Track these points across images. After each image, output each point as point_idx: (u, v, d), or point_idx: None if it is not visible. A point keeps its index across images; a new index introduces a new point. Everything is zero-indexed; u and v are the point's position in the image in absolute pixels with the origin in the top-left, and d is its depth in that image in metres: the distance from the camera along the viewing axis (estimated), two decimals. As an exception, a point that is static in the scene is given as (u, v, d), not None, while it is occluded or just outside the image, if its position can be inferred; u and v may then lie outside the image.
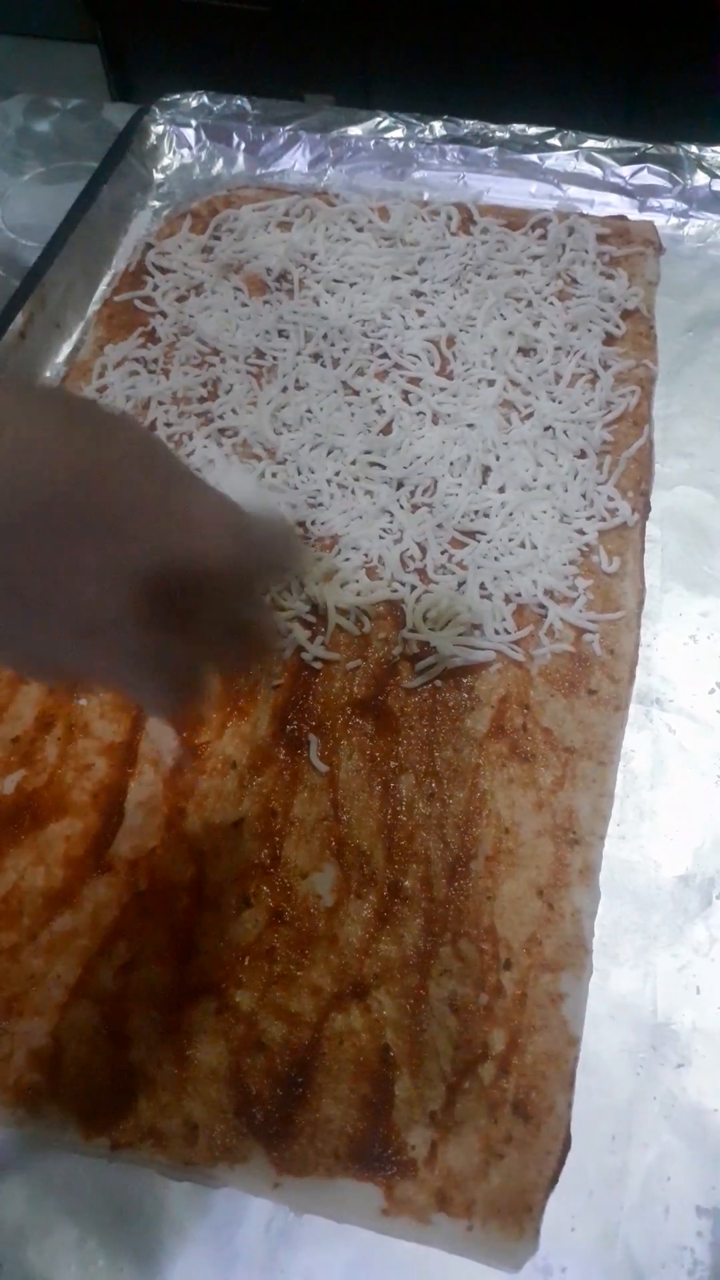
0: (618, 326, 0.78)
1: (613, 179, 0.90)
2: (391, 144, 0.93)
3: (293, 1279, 0.47)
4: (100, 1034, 0.52)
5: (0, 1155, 0.50)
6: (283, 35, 1.40)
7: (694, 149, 0.89)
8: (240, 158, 0.95)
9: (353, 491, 0.70)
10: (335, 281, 0.82)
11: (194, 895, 0.55)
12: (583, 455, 0.71)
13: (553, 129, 0.92)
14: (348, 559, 0.67)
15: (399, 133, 0.94)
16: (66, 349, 0.83)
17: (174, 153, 0.96)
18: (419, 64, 1.36)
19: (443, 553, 0.67)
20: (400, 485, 0.70)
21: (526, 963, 0.53)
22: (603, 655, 0.63)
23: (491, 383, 0.75)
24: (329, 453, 0.72)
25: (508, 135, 0.92)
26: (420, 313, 0.79)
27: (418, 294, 0.81)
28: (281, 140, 0.95)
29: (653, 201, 0.89)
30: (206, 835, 0.57)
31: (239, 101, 0.96)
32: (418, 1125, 0.49)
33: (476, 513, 0.68)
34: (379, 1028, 0.51)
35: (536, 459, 0.71)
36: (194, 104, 0.97)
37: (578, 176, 0.90)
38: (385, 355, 0.77)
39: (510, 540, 0.67)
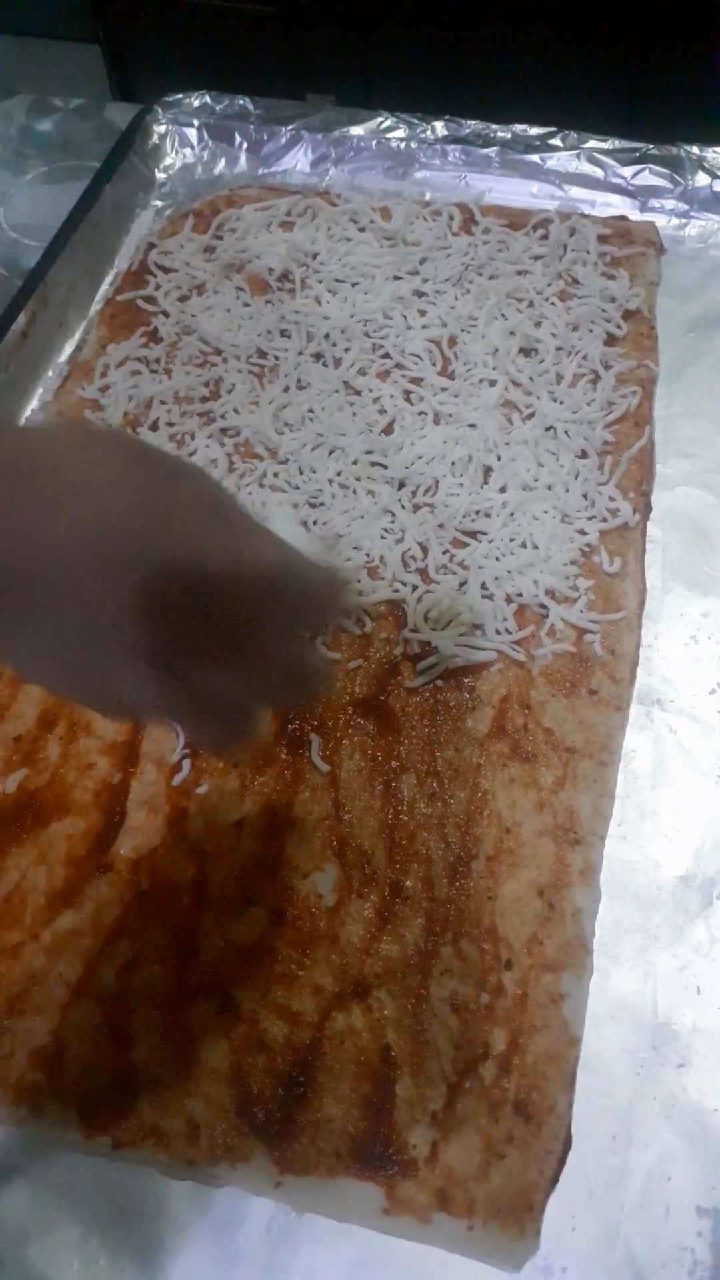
0: (619, 327, 0.78)
1: (614, 179, 0.90)
2: (393, 144, 0.93)
3: (294, 1278, 0.47)
4: (102, 1033, 0.52)
5: (2, 1154, 0.50)
6: (285, 35, 1.41)
7: (695, 150, 0.89)
8: (242, 157, 0.95)
9: (354, 491, 0.70)
10: (337, 281, 0.82)
11: (196, 894, 0.55)
12: (584, 455, 0.71)
13: (554, 129, 0.92)
14: (349, 559, 0.67)
15: (401, 133, 0.94)
16: (69, 348, 0.83)
17: (176, 152, 0.96)
18: (420, 64, 1.36)
19: (444, 552, 0.67)
20: (402, 485, 0.70)
21: (527, 962, 0.53)
22: (604, 655, 0.63)
23: (493, 383, 0.75)
24: (331, 452, 0.72)
25: (509, 135, 0.92)
26: (422, 313, 0.79)
27: (419, 294, 0.81)
28: (283, 140, 0.95)
29: (654, 202, 0.89)
30: (208, 835, 0.57)
31: (241, 101, 0.96)
32: (419, 1125, 0.49)
33: (478, 513, 0.68)
34: (380, 1027, 0.51)
35: (538, 459, 0.71)
36: (196, 104, 0.97)
37: (579, 177, 0.90)
38: (387, 355, 0.77)
39: (511, 540, 0.67)
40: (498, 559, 0.66)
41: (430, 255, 0.83)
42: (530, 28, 1.29)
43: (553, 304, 0.79)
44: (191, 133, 0.96)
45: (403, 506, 0.69)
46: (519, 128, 0.92)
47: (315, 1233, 0.48)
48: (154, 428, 0.74)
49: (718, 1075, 0.50)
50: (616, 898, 0.55)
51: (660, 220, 0.87)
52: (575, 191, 0.90)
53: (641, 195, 0.89)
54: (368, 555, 0.67)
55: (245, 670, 0.39)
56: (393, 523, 0.69)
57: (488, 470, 0.70)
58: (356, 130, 0.94)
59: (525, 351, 0.77)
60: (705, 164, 0.88)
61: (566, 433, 0.72)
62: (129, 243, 0.89)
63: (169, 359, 0.79)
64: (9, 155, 0.98)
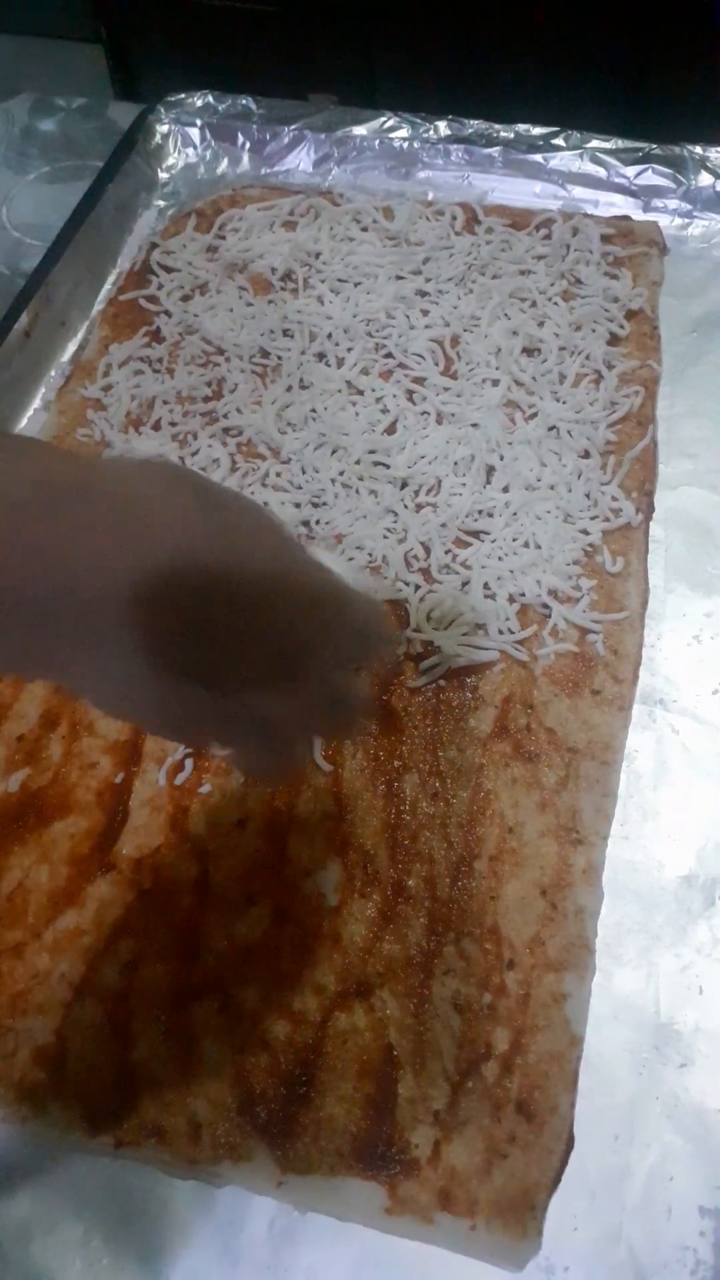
0: (622, 327, 0.78)
1: (617, 179, 0.90)
2: (396, 144, 0.93)
3: (295, 1277, 0.47)
4: (104, 1032, 0.52)
5: (4, 1153, 0.50)
6: (287, 35, 1.41)
7: (698, 150, 0.89)
8: (245, 157, 0.95)
9: (357, 491, 0.70)
10: (340, 281, 0.82)
11: (198, 894, 0.55)
12: (587, 455, 0.71)
13: (557, 129, 0.92)
14: (351, 558, 0.67)
15: (404, 132, 0.94)
16: (72, 348, 0.83)
17: (179, 152, 0.96)
18: (423, 63, 1.36)
19: (446, 552, 0.67)
20: (404, 485, 0.70)
21: (530, 962, 0.53)
22: (606, 655, 0.63)
23: (496, 383, 0.75)
24: (333, 452, 0.72)
25: (512, 135, 0.92)
26: (425, 312, 0.79)
27: (422, 294, 0.81)
28: (286, 140, 0.95)
29: (657, 202, 0.89)
30: (210, 834, 0.57)
31: (244, 101, 0.96)
32: (421, 1124, 0.49)
33: (480, 512, 0.68)
34: (383, 1027, 0.51)
35: (540, 459, 0.71)
36: (199, 103, 0.97)
37: (582, 177, 0.90)
38: (390, 355, 0.77)
39: (514, 540, 0.67)
40: (500, 559, 0.66)
41: (433, 255, 0.83)
42: (533, 27, 1.29)
43: (556, 304, 0.79)
44: (194, 132, 0.96)
45: (405, 506, 0.69)
46: (522, 127, 0.92)
47: (317, 1232, 0.48)
48: (156, 427, 0.75)
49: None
50: (619, 898, 0.55)
51: (663, 220, 0.87)
52: (578, 191, 0.90)
53: (644, 195, 0.89)
54: (370, 555, 0.67)
55: (296, 698, 0.40)
56: (395, 522, 0.69)
57: (490, 470, 0.70)
58: (359, 130, 0.94)
59: (528, 351, 0.77)
60: (708, 164, 0.88)
61: (569, 432, 0.72)
62: (131, 242, 0.89)
63: (171, 359, 0.79)
64: (12, 155, 0.98)
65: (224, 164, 0.95)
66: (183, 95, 0.97)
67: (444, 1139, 0.49)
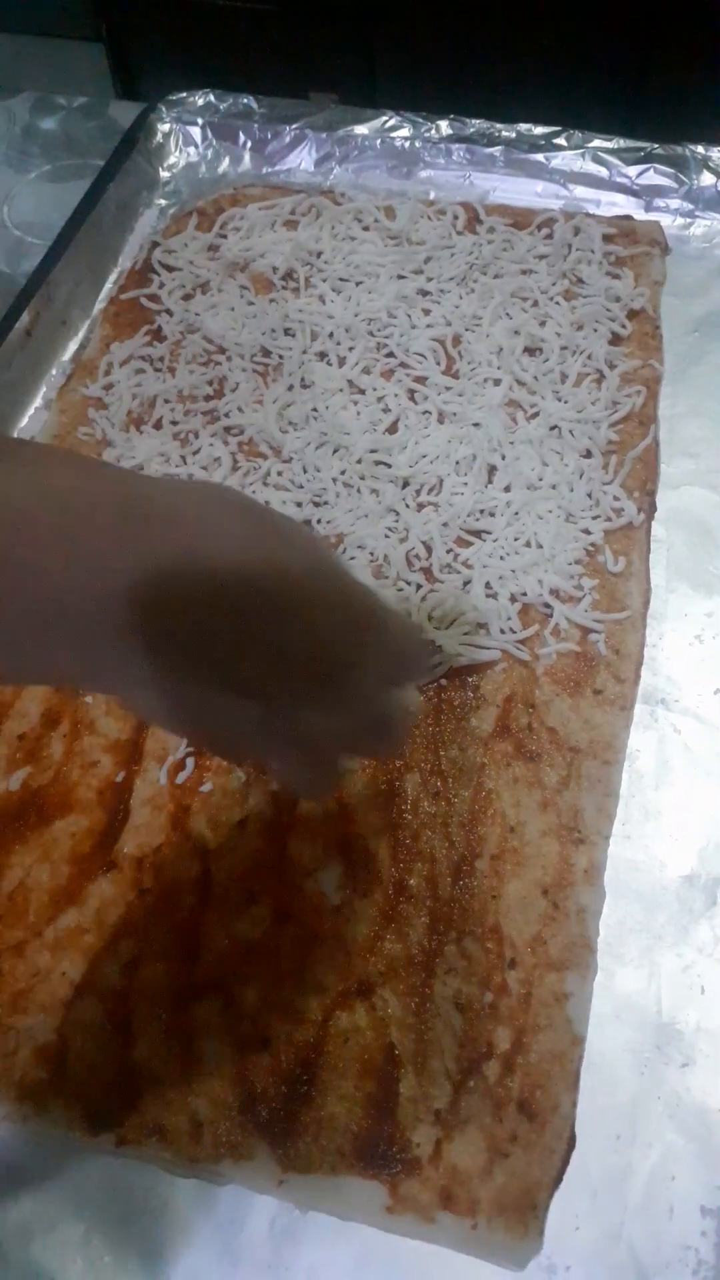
0: (623, 326, 0.78)
1: (619, 179, 0.89)
2: (397, 143, 0.93)
3: (297, 1276, 0.47)
4: (105, 1031, 0.52)
5: (5, 1152, 0.50)
6: (288, 34, 1.41)
7: (700, 149, 0.89)
8: (246, 156, 0.95)
9: (358, 490, 0.70)
10: (341, 280, 0.82)
11: (199, 893, 0.55)
12: (588, 455, 0.71)
13: (559, 129, 0.91)
14: (353, 558, 0.67)
15: (405, 132, 0.94)
16: (73, 346, 0.83)
17: (180, 151, 0.96)
18: (425, 63, 1.36)
19: (448, 551, 0.67)
20: (406, 484, 0.70)
21: (531, 962, 0.53)
22: (608, 655, 0.63)
23: (497, 382, 0.75)
24: (334, 451, 0.72)
25: (514, 135, 0.92)
26: (426, 312, 0.79)
27: (424, 293, 0.81)
28: (287, 139, 0.95)
29: (659, 201, 0.89)
30: (212, 833, 0.57)
31: (245, 100, 0.96)
32: (422, 1123, 0.49)
33: (482, 512, 0.68)
34: (384, 1026, 0.51)
35: (542, 458, 0.71)
36: (200, 102, 0.97)
37: (584, 176, 0.90)
38: (391, 354, 0.77)
39: (516, 539, 0.67)
40: (502, 558, 0.66)
41: (435, 254, 0.83)
42: (535, 26, 1.29)
43: (557, 303, 0.79)
44: (195, 131, 0.96)
45: (407, 505, 0.69)
46: (524, 127, 0.92)
47: (318, 1231, 0.48)
48: (158, 426, 0.75)
49: (722, 1075, 0.50)
50: (621, 897, 0.55)
51: (665, 220, 0.87)
52: (580, 191, 0.90)
53: (646, 195, 0.89)
54: (372, 554, 0.67)
55: (342, 717, 0.41)
56: (397, 522, 0.68)
57: (492, 469, 0.70)
58: (361, 129, 0.94)
59: (530, 351, 0.77)
60: (710, 164, 0.88)
61: (571, 432, 0.72)
62: (133, 241, 0.89)
63: (173, 357, 0.79)
64: (13, 154, 0.98)
65: (225, 163, 0.95)
66: (184, 94, 0.97)
67: (445, 1138, 0.49)
